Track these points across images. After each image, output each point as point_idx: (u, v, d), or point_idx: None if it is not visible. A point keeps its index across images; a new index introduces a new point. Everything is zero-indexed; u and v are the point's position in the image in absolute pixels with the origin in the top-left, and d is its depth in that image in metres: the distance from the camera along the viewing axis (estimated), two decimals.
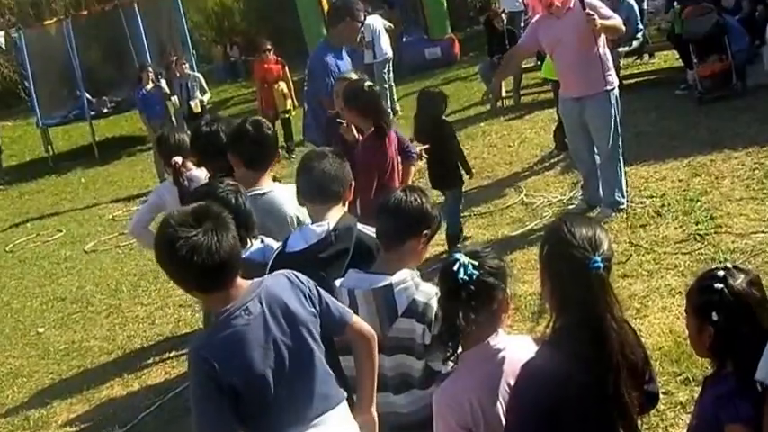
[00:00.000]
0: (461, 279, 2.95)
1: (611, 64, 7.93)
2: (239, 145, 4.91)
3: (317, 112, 7.30)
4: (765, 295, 2.89)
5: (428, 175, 8.02)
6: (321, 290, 3.37)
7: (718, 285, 2.83)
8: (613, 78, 7.89)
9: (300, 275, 3.34)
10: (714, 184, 8.11)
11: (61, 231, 12.70)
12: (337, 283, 3.67)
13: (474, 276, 2.96)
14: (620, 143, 7.91)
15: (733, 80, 11.18)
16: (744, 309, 2.82)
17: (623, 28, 8.06)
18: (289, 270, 3.37)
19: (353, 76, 6.54)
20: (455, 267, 2.97)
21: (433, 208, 3.72)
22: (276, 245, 4.18)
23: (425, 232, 3.65)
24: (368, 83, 6.25)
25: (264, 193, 4.76)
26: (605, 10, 7.76)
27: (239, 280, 3.16)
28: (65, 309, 9.16)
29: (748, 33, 11.74)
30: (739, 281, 2.84)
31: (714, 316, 2.84)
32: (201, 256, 2.96)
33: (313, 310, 3.27)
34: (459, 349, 3.07)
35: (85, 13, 22.03)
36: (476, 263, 2.99)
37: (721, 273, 2.87)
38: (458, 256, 3.02)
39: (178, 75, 15.37)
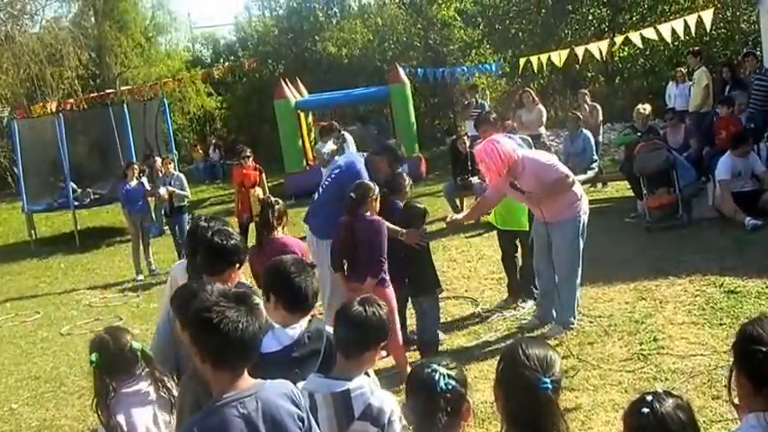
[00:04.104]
0: (441, 388, 3.06)
1: (579, 193, 7.96)
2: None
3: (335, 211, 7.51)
4: (693, 419, 2.90)
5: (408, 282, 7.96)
6: (312, 418, 3.36)
7: (645, 409, 2.85)
8: (581, 207, 7.88)
9: (297, 392, 3.34)
10: (658, 308, 8.18)
11: (39, 313, 12.45)
12: (299, 385, 3.67)
13: (451, 386, 3.08)
14: (579, 268, 7.98)
15: (679, 212, 11.42)
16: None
17: (570, 178, 7.82)
18: (290, 383, 3.37)
19: None
20: (436, 377, 3.08)
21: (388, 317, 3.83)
22: None
23: (383, 343, 3.80)
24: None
25: None
26: (543, 160, 7.88)
27: (246, 374, 3.16)
28: (38, 387, 8.94)
29: (695, 170, 12.06)
30: (665, 405, 2.85)
31: None
32: (227, 327, 3.00)
33: (300, 424, 3.24)
34: None
35: (76, 109, 22.16)
36: (452, 373, 3.12)
37: (650, 397, 2.89)
38: (436, 367, 3.13)
39: (162, 173, 15.34)
